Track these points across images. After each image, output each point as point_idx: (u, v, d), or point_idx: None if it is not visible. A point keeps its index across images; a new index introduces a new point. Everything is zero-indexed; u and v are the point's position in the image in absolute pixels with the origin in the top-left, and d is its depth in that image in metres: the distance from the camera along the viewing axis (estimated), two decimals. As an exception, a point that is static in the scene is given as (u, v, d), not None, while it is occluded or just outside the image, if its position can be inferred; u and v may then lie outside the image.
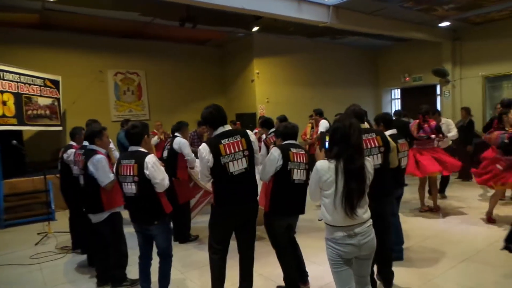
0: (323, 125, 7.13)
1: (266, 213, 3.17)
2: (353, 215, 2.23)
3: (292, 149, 3.12)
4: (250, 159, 2.95)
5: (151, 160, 3.01)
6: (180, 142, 4.86)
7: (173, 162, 4.84)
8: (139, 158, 3.01)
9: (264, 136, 5.29)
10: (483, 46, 10.34)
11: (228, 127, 3.00)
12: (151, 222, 3.08)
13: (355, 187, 2.22)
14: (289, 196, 3.11)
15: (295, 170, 3.08)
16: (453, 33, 10.84)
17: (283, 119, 5.26)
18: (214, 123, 2.97)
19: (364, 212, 2.31)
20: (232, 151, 2.87)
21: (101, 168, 3.42)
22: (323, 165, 2.30)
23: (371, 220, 2.37)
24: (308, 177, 3.14)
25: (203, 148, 2.88)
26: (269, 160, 3.09)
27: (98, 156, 3.48)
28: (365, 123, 3.32)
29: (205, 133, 6.70)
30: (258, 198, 3.12)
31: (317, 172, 2.32)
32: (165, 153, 5.03)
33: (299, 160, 3.11)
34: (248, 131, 3.04)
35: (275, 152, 3.08)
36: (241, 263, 3.13)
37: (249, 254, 3.12)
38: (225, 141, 2.87)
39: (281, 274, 3.33)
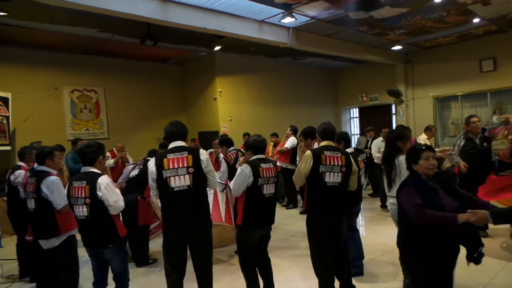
0: (291, 141, 7.45)
1: (240, 226, 3.20)
2: None
3: (262, 164, 3.18)
4: (195, 177, 2.89)
5: (104, 181, 2.89)
6: None
7: (145, 180, 4.73)
8: (91, 179, 2.88)
9: (222, 156, 5.33)
10: (433, 68, 11.06)
11: (180, 143, 2.98)
12: (105, 246, 2.93)
13: None
14: (260, 210, 3.19)
15: (265, 185, 3.16)
16: (405, 56, 11.53)
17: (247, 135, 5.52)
18: (169, 138, 3.04)
19: None
20: (176, 166, 2.86)
21: (57, 190, 3.24)
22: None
23: None
24: (276, 189, 3.29)
25: (151, 160, 2.98)
26: (240, 176, 3.13)
27: (52, 177, 3.29)
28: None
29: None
30: (210, 216, 3.08)
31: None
32: (134, 172, 4.94)
33: (268, 175, 3.18)
34: (201, 150, 3.02)
35: (246, 169, 3.12)
36: (199, 285, 3.05)
37: (204, 275, 3.03)
38: (170, 156, 2.90)
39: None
